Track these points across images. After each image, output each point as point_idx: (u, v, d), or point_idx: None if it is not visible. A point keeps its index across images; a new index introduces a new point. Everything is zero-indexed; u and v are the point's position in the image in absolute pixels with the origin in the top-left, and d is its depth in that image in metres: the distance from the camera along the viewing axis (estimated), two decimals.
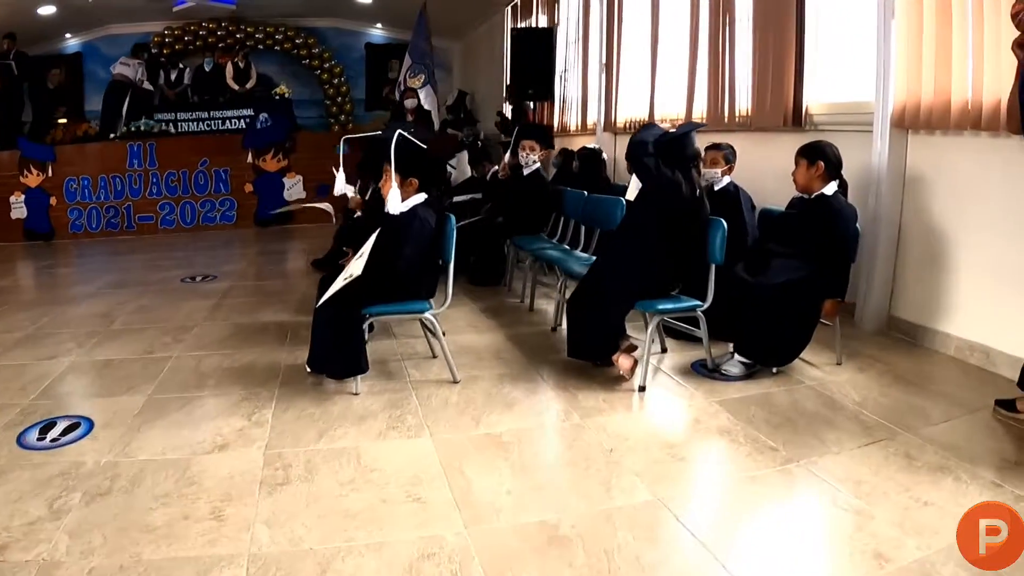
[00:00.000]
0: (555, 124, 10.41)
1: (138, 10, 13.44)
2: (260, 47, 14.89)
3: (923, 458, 3.15)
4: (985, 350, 4.26)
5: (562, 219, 6.25)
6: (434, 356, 4.62)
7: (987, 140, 4.15)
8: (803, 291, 4.07)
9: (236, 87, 13.33)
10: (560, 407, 3.88)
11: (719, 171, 4.99)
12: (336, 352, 3.98)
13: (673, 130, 4.15)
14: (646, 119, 7.59)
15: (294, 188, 11.27)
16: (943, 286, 4.57)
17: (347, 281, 3.72)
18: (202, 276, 7.59)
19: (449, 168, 7.96)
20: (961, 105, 4.16)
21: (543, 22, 10.76)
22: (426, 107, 11.09)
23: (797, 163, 4.23)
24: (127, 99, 12.41)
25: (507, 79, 11.61)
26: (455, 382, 4.17)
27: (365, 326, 3.99)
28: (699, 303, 4.09)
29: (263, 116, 12.03)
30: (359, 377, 4.02)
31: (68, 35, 14.75)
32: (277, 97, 13.11)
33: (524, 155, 6.28)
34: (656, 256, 4.04)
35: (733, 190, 4.96)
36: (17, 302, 6.73)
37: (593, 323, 4.11)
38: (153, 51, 13.59)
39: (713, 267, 4.06)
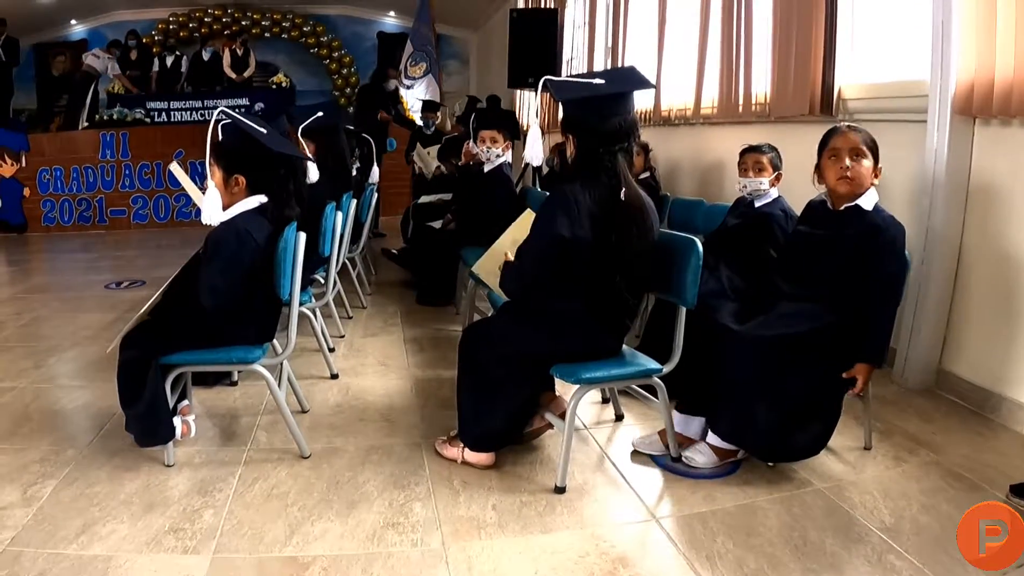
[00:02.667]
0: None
1: None
2: (266, 35, 14.25)
3: None
4: None
5: None
6: (303, 411, 3.52)
7: None
8: (822, 351, 2.77)
9: (233, 75, 12.53)
10: (424, 516, 2.61)
11: (765, 181, 3.81)
12: (128, 411, 2.89)
13: (581, 81, 2.77)
14: (651, 109, 6.40)
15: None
16: (1017, 335, 3.31)
17: (135, 321, 2.68)
18: (129, 282, 6.85)
19: (418, 163, 6.92)
20: None
21: (552, 6, 9.73)
22: (422, 97, 10.12)
23: (862, 156, 2.86)
24: (91, 90, 12.12)
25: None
26: (304, 457, 3.04)
27: (170, 381, 2.87)
28: (656, 367, 2.82)
29: (259, 106, 11.46)
30: (172, 444, 2.95)
31: (74, 21, 14.53)
32: (275, 87, 12.29)
33: (484, 148, 5.10)
34: (570, 304, 2.73)
35: (782, 215, 3.74)
36: None
37: (484, 404, 2.88)
38: (143, 40, 13.06)
39: (682, 312, 2.79)
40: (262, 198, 2.92)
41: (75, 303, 6.00)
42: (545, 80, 2.76)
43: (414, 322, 5.19)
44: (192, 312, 2.82)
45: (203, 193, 3.93)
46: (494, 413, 2.85)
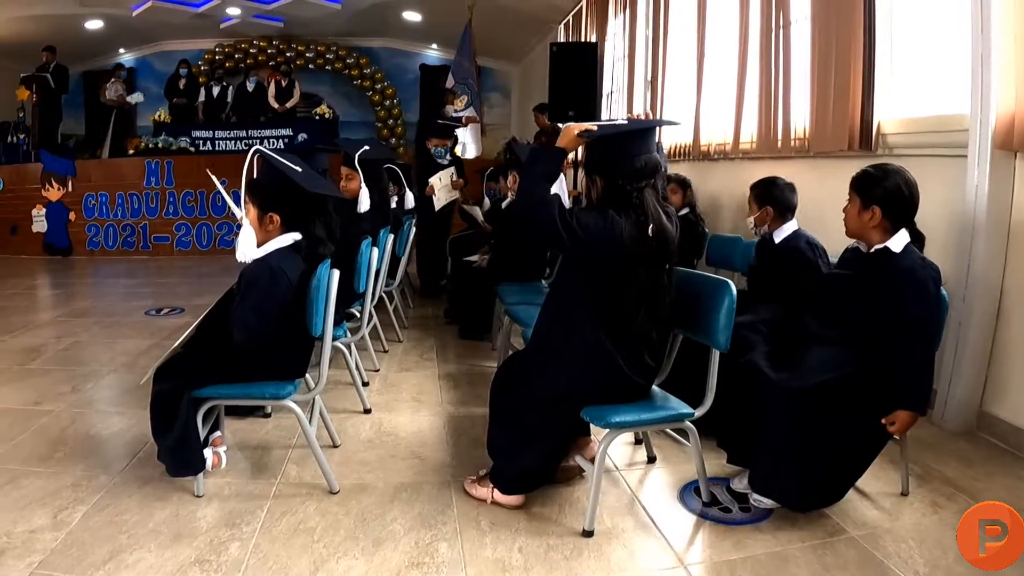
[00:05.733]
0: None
1: (188, 27, 13.26)
2: (311, 66, 14.37)
3: None
4: None
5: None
6: (335, 445, 3.50)
7: None
8: (854, 398, 2.70)
9: (277, 106, 12.72)
10: (449, 557, 2.57)
11: (751, 220, 3.84)
12: (161, 442, 2.90)
13: (604, 123, 2.80)
14: (690, 143, 6.35)
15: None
16: None
17: (170, 354, 2.70)
18: (169, 309, 6.90)
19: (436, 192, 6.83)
20: None
21: (593, 39, 9.68)
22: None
23: (850, 197, 2.89)
24: (111, 122, 12.71)
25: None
26: (333, 492, 3.01)
27: (202, 414, 2.87)
28: (688, 411, 2.77)
29: (302, 136, 11.58)
30: (202, 475, 2.96)
31: (122, 50, 14.79)
32: (318, 117, 12.45)
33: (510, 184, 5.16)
34: (600, 346, 2.67)
35: (807, 247, 3.68)
36: None
37: (513, 442, 2.85)
38: (191, 70, 13.42)
39: (715, 354, 2.75)
40: (296, 236, 2.94)
41: (115, 328, 6.05)
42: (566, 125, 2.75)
43: (449, 357, 5.16)
44: (225, 347, 2.83)
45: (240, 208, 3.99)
46: (526, 456, 2.82)
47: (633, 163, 2.61)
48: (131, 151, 11.57)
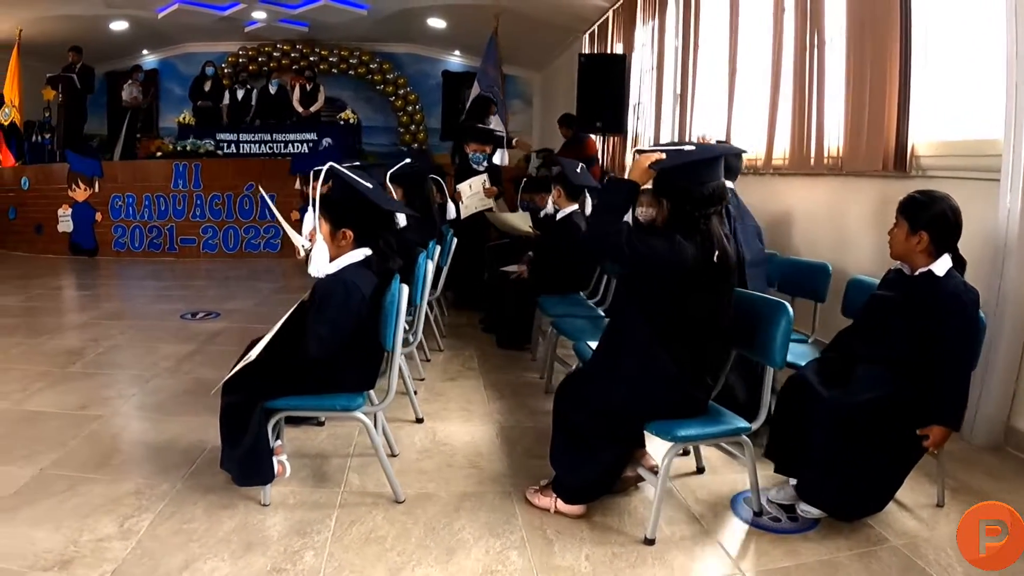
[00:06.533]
0: (628, 160, 9.33)
1: (212, 29, 13.45)
2: (334, 71, 14.52)
3: None
4: None
5: (602, 277, 5.16)
6: (393, 454, 3.57)
7: None
8: (896, 416, 2.80)
9: (301, 110, 12.82)
10: (520, 564, 2.66)
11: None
12: (231, 452, 2.98)
13: (672, 148, 2.85)
14: None
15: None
16: None
17: (243, 365, 2.77)
18: (204, 313, 6.89)
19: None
20: None
21: (618, 49, 9.76)
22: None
23: (896, 221, 2.98)
24: (125, 123, 13.22)
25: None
26: (398, 502, 3.10)
27: (271, 424, 2.96)
28: (745, 426, 2.88)
29: (327, 141, 11.71)
30: (269, 484, 3.03)
31: (145, 52, 14.98)
32: (342, 122, 12.54)
33: (550, 200, 5.26)
34: (661, 363, 2.79)
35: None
36: (1, 326, 6.27)
37: (578, 455, 2.93)
38: (216, 73, 13.55)
39: (770, 371, 2.86)
40: (366, 251, 3.04)
41: (151, 332, 6.09)
42: (636, 151, 2.84)
43: (491, 367, 5.16)
44: (299, 360, 2.92)
45: (289, 225, 4.06)
46: (589, 468, 2.91)
47: (702, 190, 2.72)
48: (157, 153, 11.63)
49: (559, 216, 5.30)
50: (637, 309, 2.83)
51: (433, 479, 3.34)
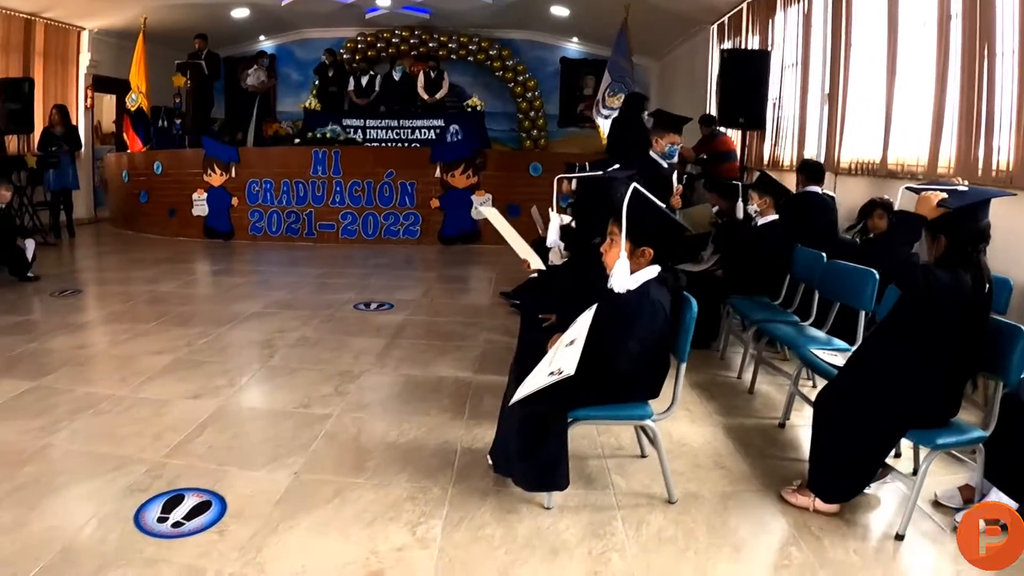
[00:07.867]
0: (765, 157, 9.30)
1: (332, 15, 13.67)
2: (453, 57, 14.67)
3: None
4: None
5: (788, 281, 5.25)
6: (643, 455, 3.75)
7: None
8: None
9: (426, 97, 13.02)
10: (802, 559, 2.86)
11: None
12: (528, 460, 3.13)
13: (957, 190, 3.06)
14: (877, 161, 6.36)
15: (483, 206, 10.32)
16: None
17: (558, 379, 2.87)
18: (377, 304, 7.02)
19: None
20: None
21: (754, 43, 9.69)
22: None
23: None
24: (255, 108, 13.62)
25: (710, 104, 10.72)
26: (671, 502, 3.28)
27: (569, 433, 3.14)
28: (982, 434, 3.07)
29: (453, 128, 11.99)
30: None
31: (263, 37, 15.34)
32: (469, 109, 12.77)
33: (754, 205, 5.34)
34: (930, 380, 3.05)
35: None
36: (177, 314, 6.50)
37: (844, 458, 3.15)
38: (338, 57, 13.82)
39: (1000, 388, 3.08)
40: (657, 268, 3.20)
41: (335, 324, 6.20)
42: (906, 187, 3.08)
43: (688, 366, 5.14)
44: (604, 372, 3.09)
45: (518, 237, 4.20)
46: (853, 471, 3.13)
47: (979, 228, 2.97)
48: (270, 134, 12.19)
49: (760, 222, 5.40)
50: (911, 333, 3.07)
51: (690, 480, 3.51)
